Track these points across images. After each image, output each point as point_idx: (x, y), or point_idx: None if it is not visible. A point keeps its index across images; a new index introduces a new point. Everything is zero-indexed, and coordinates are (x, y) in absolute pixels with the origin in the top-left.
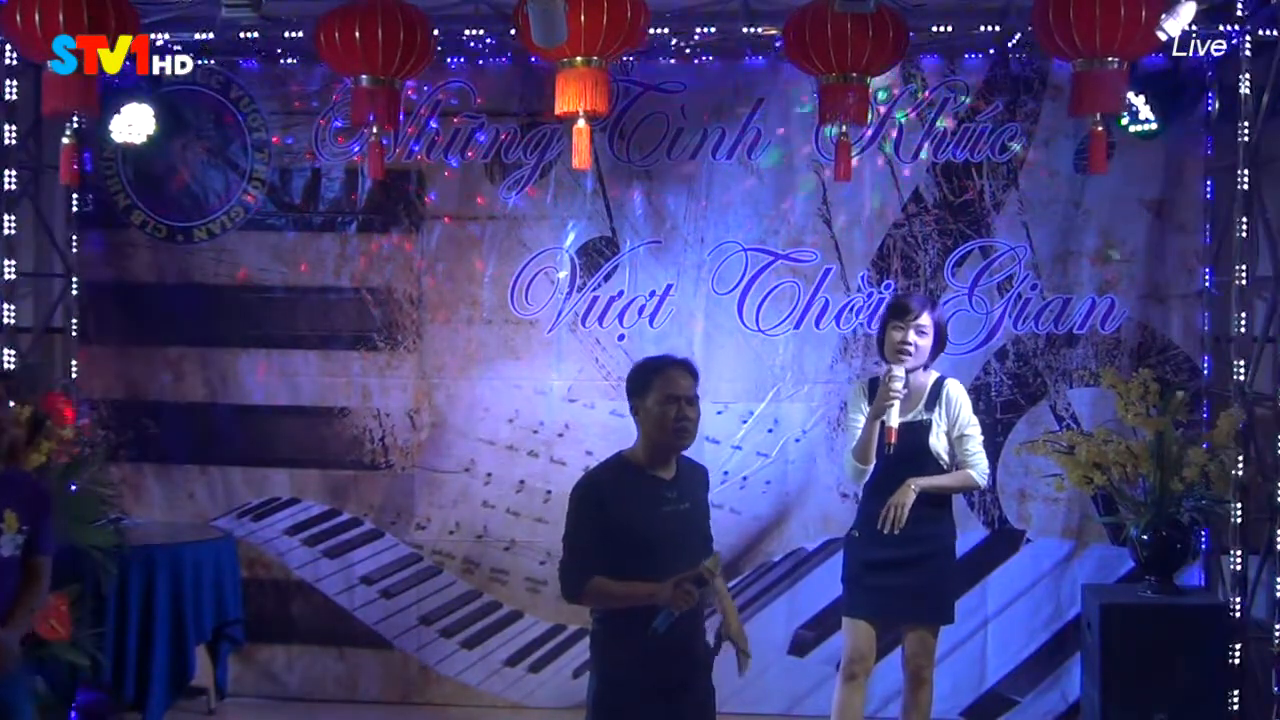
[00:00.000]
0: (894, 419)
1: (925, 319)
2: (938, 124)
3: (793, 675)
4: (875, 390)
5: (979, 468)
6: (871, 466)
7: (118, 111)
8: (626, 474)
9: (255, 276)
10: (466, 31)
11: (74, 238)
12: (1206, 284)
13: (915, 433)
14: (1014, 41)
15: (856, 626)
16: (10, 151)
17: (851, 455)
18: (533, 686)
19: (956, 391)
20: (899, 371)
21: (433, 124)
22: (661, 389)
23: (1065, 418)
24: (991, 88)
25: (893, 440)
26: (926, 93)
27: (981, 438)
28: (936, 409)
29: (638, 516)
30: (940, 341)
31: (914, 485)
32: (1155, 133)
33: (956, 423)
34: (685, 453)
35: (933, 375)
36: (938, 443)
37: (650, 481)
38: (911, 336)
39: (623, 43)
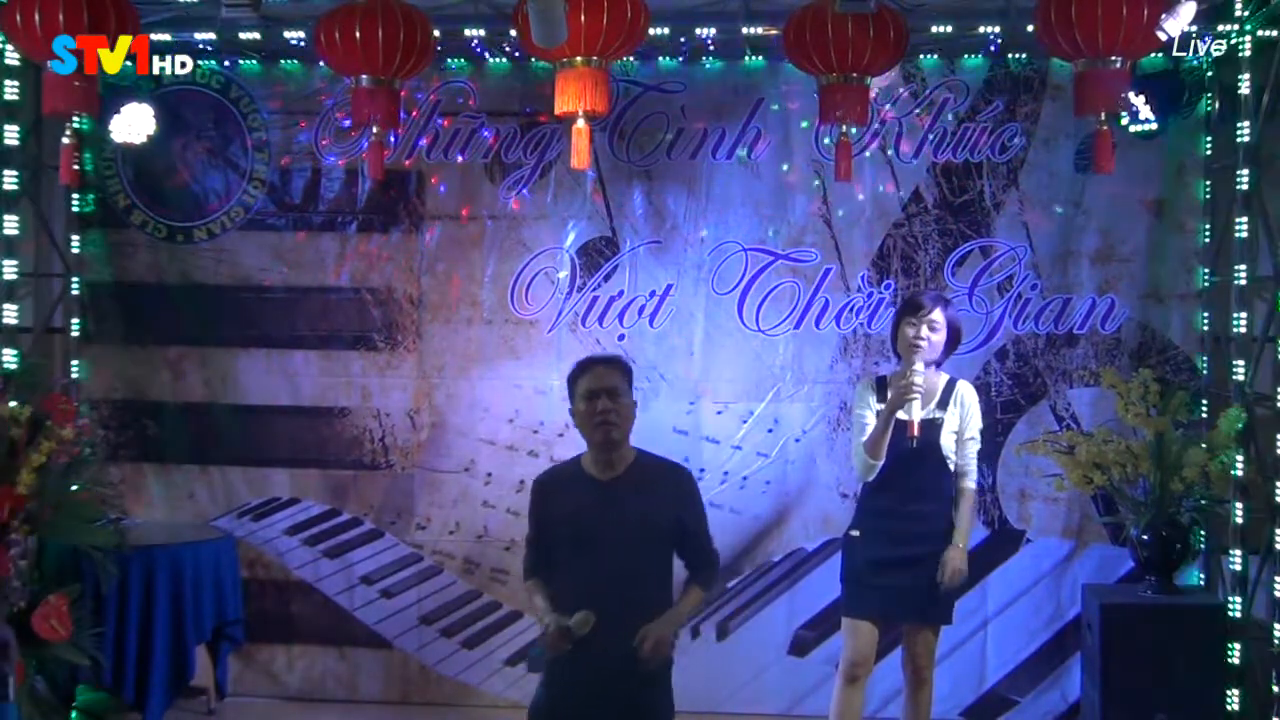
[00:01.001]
0: (916, 413)
1: (938, 315)
2: (938, 124)
3: (793, 675)
4: (883, 386)
5: (974, 475)
6: (882, 462)
7: (118, 111)
8: (568, 473)
9: (257, 276)
10: (466, 31)
11: (74, 238)
12: (1206, 284)
13: (927, 430)
14: (1014, 41)
15: (858, 627)
16: (10, 151)
17: (863, 450)
18: (533, 686)
19: (970, 395)
20: (919, 365)
21: (433, 124)
22: (583, 385)
23: (1065, 418)
24: (991, 88)
25: (915, 434)
26: (926, 93)
27: (980, 444)
28: (950, 409)
29: (565, 515)
30: (954, 340)
31: (960, 544)
32: (1155, 133)
33: (968, 425)
34: (669, 456)
35: (945, 375)
36: (947, 442)
37: (586, 482)
38: (924, 332)
39: (623, 43)
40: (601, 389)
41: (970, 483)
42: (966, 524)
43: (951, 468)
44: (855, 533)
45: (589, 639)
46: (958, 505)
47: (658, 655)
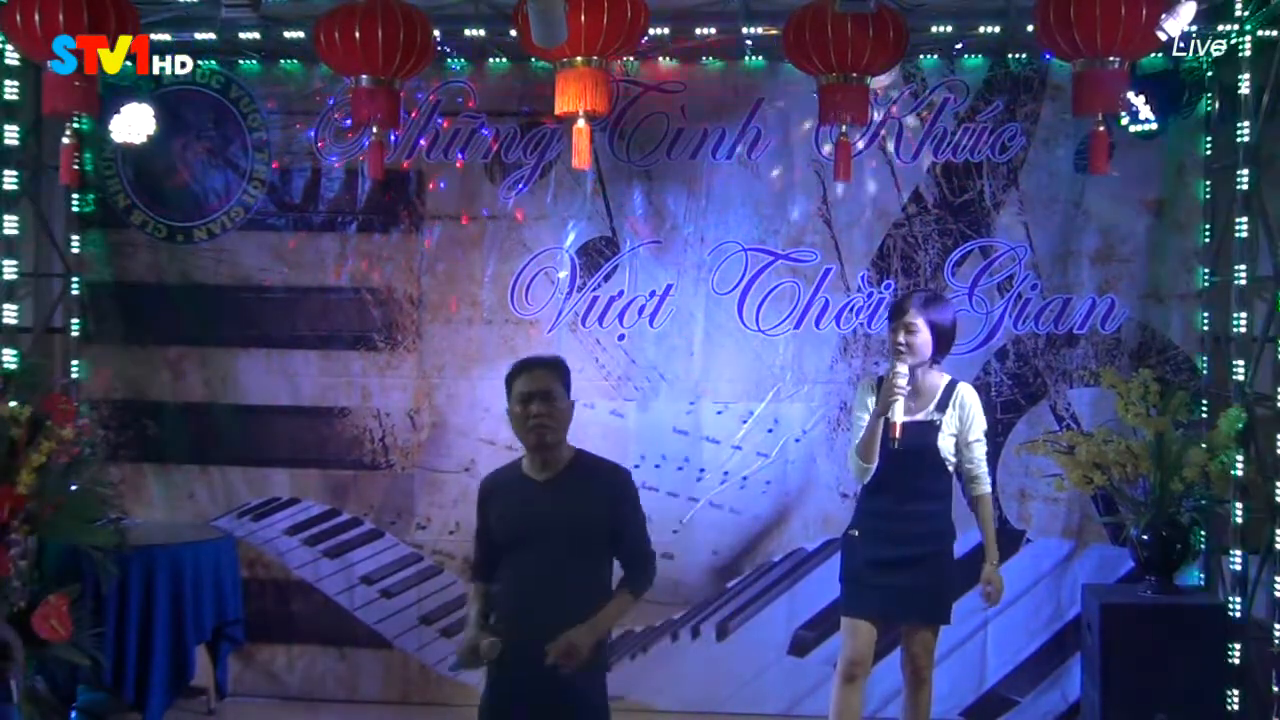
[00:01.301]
0: (898, 415)
1: (914, 318)
2: (938, 124)
3: (793, 675)
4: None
5: (986, 480)
6: (875, 465)
7: (118, 111)
8: (509, 475)
9: (257, 276)
10: (466, 31)
11: (74, 238)
12: (1206, 284)
13: (924, 433)
14: (1014, 41)
15: (857, 627)
16: (10, 151)
17: (855, 452)
18: None
19: (971, 397)
20: (902, 368)
21: (433, 124)
22: (519, 387)
23: (1065, 418)
24: (991, 88)
25: (896, 436)
26: (926, 93)
27: (987, 446)
28: (948, 411)
29: (504, 515)
30: (940, 339)
31: (993, 562)
32: (1155, 133)
33: (970, 428)
34: (607, 456)
35: (945, 377)
36: (945, 444)
37: (522, 483)
38: (901, 336)
39: (623, 43)
40: (536, 392)
41: (985, 488)
42: (991, 536)
43: (950, 469)
44: (854, 532)
45: (523, 640)
46: (978, 515)
47: (570, 662)
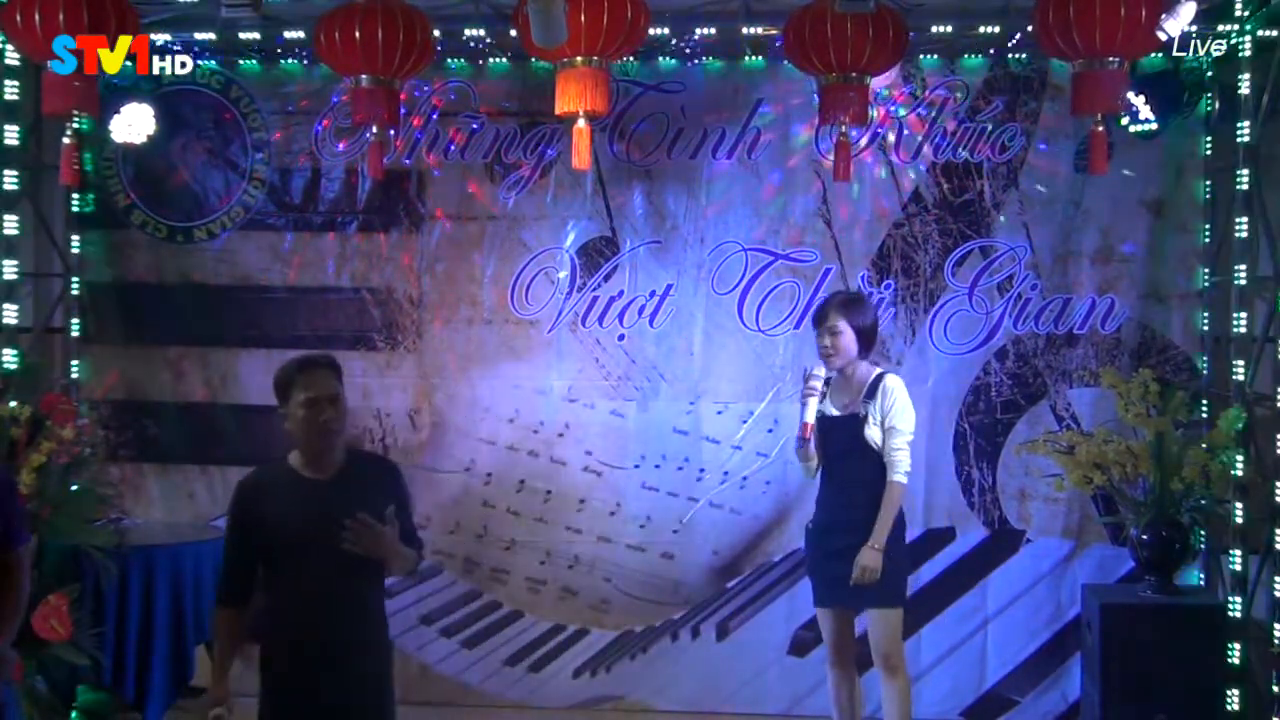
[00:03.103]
0: (810, 414)
1: (834, 321)
2: (938, 124)
3: (793, 675)
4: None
5: (900, 467)
6: (812, 463)
7: (118, 111)
8: (276, 474)
9: (257, 276)
10: (466, 31)
11: (74, 238)
12: (1206, 284)
13: (851, 425)
14: (1014, 41)
15: (826, 616)
16: (10, 151)
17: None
18: (533, 686)
19: (892, 384)
20: (819, 370)
21: (433, 124)
22: (304, 390)
23: (1065, 418)
24: (991, 88)
25: (807, 435)
26: (926, 93)
27: (910, 436)
28: (872, 402)
29: (280, 517)
30: (863, 339)
31: (875, 546)
32: (1155, 133)
33: (889, 415)
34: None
35: (875, 370)
36: (872, 434)
37: (296, 482)
38: (825, 340)
39: (623, 43)
40: (323, 397)
41: (896, 476)
42: (884, 520)
43: (881, 461)
44: (809, 525)
45: (308, 639)
46: (884, 498)
47: (360, 537)
